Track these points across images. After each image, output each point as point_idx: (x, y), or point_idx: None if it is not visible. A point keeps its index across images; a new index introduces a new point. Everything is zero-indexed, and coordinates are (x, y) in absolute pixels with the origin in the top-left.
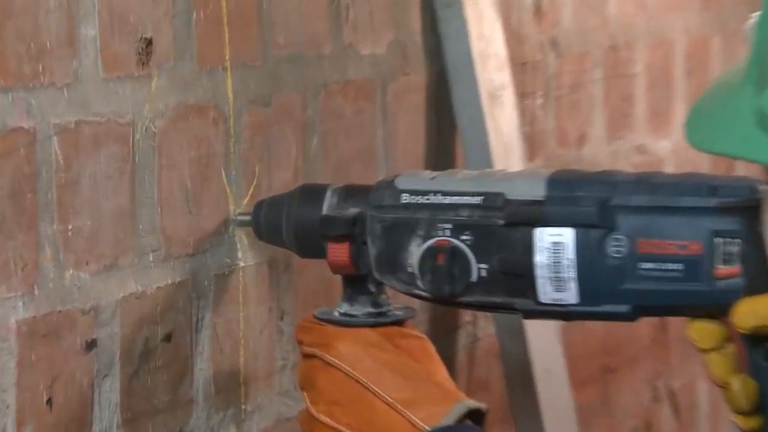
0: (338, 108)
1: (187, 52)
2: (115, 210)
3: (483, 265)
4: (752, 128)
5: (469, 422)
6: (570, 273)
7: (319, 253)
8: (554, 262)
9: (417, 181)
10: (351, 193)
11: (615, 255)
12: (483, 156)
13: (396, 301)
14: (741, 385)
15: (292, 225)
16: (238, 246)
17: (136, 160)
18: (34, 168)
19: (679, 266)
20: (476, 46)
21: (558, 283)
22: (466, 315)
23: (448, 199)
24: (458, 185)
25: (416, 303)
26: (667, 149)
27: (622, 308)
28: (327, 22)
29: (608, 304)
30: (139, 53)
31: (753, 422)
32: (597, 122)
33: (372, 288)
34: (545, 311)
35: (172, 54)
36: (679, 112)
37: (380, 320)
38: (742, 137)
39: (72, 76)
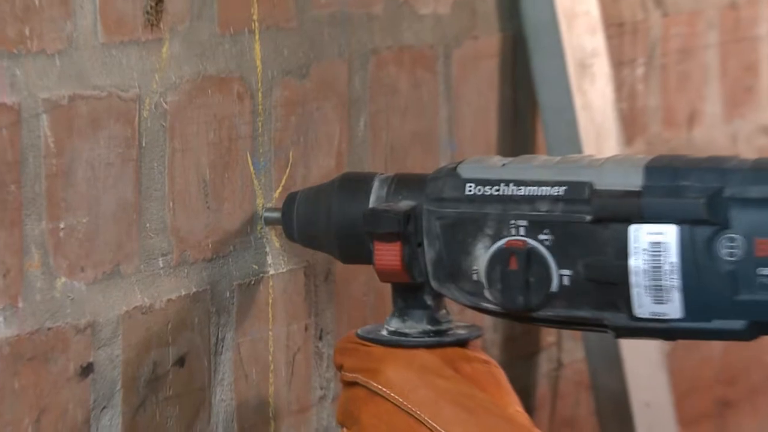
0: (391, 80)
1: (206, 11)
2: (116, 205)
3: (566, 272)
4: None
5: None
6: (673, 280)
7: (365, 257)
8: (653, 267)
9: (485, 168)
10: (403, 183)
11: (728, 258)
12: (569, 140)
13: (458, 316)
14: None
15: (332, 223)
16: (267, 249)
17: (143, 144)
18: (19, 153)
19: None
20: (562, 2)
21: (658, 293)
22: (549, 335)
23: (522, 190)
24: (535, 173)
25: (483, 319)
26: None
27: (737, 324)
28: None
29: (719, 319)
30: (147, 13)
31: None
32: (712, 97)
33: (429, 300)
34: (642, 328)
35: (188, 13)
36: None
37: (439, 340)
38: None
39: (65, 42)
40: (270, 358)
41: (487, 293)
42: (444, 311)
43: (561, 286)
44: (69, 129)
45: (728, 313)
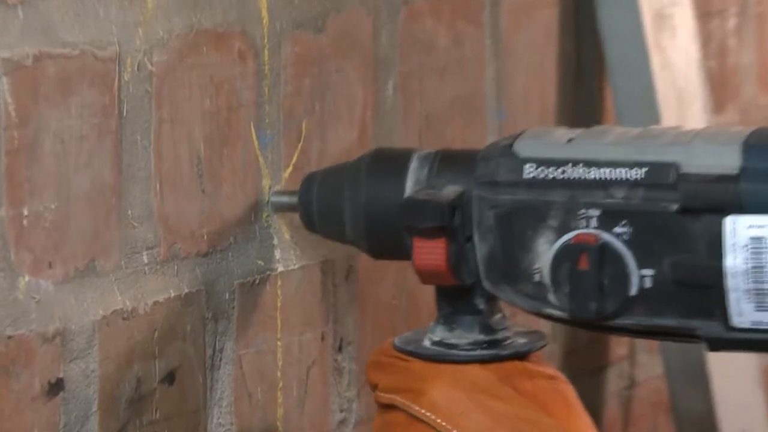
0: (426, 35)
1: None
2: (92, 187)
3: (647, 272)
4: None
5: None
6: None
7: (401, 253)
8: (755, 268)
9: (547, 145)
10: (448, 162)
11: None
12: (644, 107)
13: (517, 323)
14: None
15: (360, 210)
16: (275, 241)
17: (124, 113)
18: None
19: None
20: None
21: (761, 298)
22: (619, 346)
23: (594, 173)
24: (609, 151)
25: (539, 324)
26: None
27: None
28: None
29: None
30: None
31: None
32: None
33: (480, 304)
34: (742, 340)
35: None
36: None
37: (494, 353)
38: None
39: None
40: (278, 373)
41: (551, 297)
42: (499, 316)
43: (641, 289)
44: (34, 95)
45: None
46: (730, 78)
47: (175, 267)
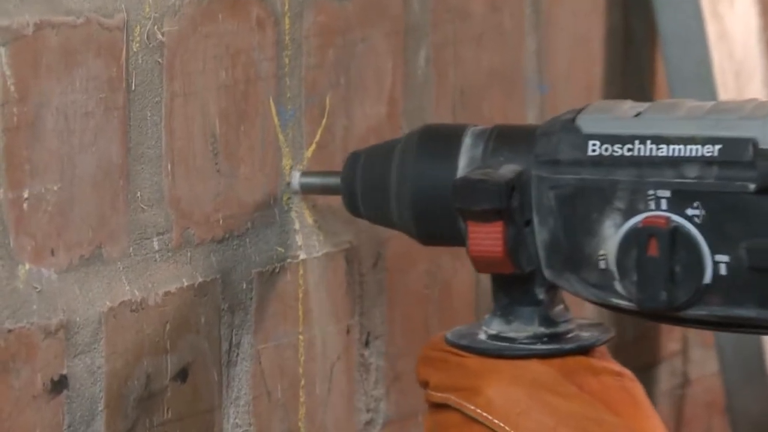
0: (461, 1)
1: None
2: (98, 168)
3: (722, 257)
4: None
5: None
6: None
7: (453, 239)
8: None
9: (613, 120)
10: (505, 139)
11: None
12: (699, 81)
13: (580, 314)
14: None
15: (408, 192)
16: (297, 226)
17: (133, 87)
18: None
19: None
20: None
21: None
22: (671, 341)
23: (664, 150)
24: (680, 127)
25: (605, 316)
26: None
27: None
28: None
29: None
30: None
31: None
32: None
33: (540, 294)
34: None
35: None
36: None
37: (556, 347)
38: None
39: None
40: (300, 370)
41: (618, 286)
42: (561, 307)
43: (716, 276)
44: (34, 67)
45: None
46: None
47: (188, 254)
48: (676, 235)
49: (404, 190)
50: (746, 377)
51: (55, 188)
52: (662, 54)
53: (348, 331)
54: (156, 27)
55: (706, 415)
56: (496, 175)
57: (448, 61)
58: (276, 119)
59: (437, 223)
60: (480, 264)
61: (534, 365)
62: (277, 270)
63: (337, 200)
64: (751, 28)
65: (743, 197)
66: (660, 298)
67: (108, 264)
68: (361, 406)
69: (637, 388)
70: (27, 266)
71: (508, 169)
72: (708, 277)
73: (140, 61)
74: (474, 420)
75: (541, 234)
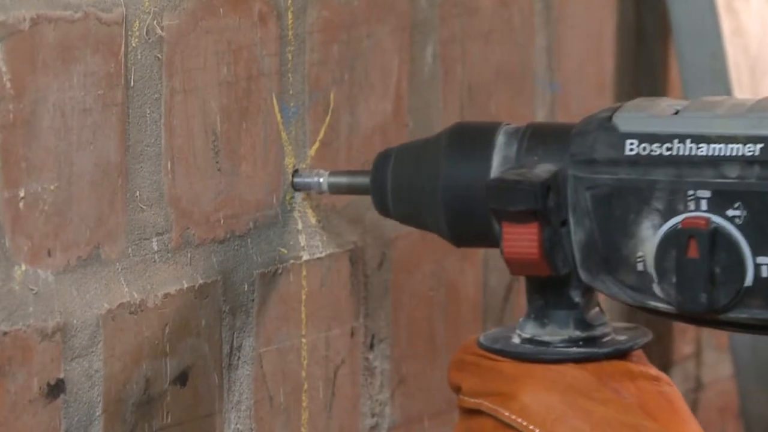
0: None
1: None
2: (95, 166)
3: (764, 259)
4: None
5: None
6: None
7: (487, 240)
8: None
9: (650, 118)
10: (539, 137)
11: None
12: (714, 77)
13: (615, 317)
14: None
15: (440, 192)
16: (300, 226)
17: (132, 84)
18: None
19: None
20: None
21: None
22: (684, 344)
23: (704, 149)
24: (720, 125)
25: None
26: None
27: None
28: None
29: None
30: None
31: None
32: None
33: (576, 297)
34: None
35: None
36: None
37: (592, 351)
38: None
39: None
40: (303, 374)
41: (656, 288)
42: (596, 310)
43: (757, 278)
44: (31, 63)
45: None
46: None
47: (188, 255)
48: (716, 236)
49: (436, 190)
50: (761, 381)
51: (52, 187)
52: (675, 50)
53: (352, 334)
54: (155, 22)
55: (720, 419)
56: (532, 175)
57: (455, 57)
58: (278, 116)
59: (470, 223)
60: (514, 266)
61: (569, 370)
62: (279, 271)
63: (340, 200)
64: (767, 24)
65: None
66: (700, 300)
67: (106, 265)
68: (366, 411)
69: (675, 394)
70: (23, 267)
71: (543, 169)
72: (749, 280)
73: (139, 57)
74: (508, 426)
75: (577, 235)
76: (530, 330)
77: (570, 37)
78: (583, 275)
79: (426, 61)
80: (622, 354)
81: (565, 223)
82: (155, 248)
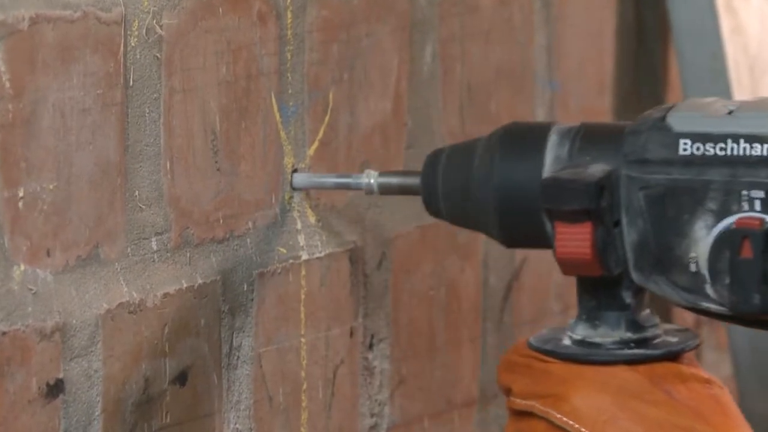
0: None
1: None
2: (95, 166)
3: None
4: None
5: None
6: None
7: (539, 241)
8: None
9: (704, 117)
10: (592, 137)
11: None
12: (713, 76)
13: (667, 319)
14: None
15: (492, 193)
16: (299, 226)
17: (131, 83)
18: None
19: None
20: None
21: None
22: None
23: (758, 149)
24: None
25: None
26: None
27: None
28: None
29: None
30: None
31: None
32: None
33: (628, 298)
34: None
35: None
36: None
37: (644, 352)
38: None
39: None
40: (302, 373)
41: (709, 289)
42: (647, 312)
43: None
44: (30, 62)
45: None
46: None
47: (188, 255)
48: None
49: (488, 190)
50: (761, 381)
51: (51, 187)
52: (675, 48)
53: (351, 334)
54: (155, 21)
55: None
56: (586, 174)
57: (455, 56)
58: (278, 116)
59: (522, 224)
60: (567, 266)
61: (621, 371)
62: (278, 271)
63: (340, 200)
64: (767, 23)
65: None
66: (753, 301)
67: (105, 265)
68: (365, 411)
69: (726, 396)
70: (22, 267)
71: (597, 169)
72: None
73: (138, 57)
74: (560, 428)
75: (629, 235)
76: (581, 331)
77: (570, 35)
78: (635, 276)
79: (425, 61)
80: (673, 356)
81: (618, 223)
82: (154, 248)
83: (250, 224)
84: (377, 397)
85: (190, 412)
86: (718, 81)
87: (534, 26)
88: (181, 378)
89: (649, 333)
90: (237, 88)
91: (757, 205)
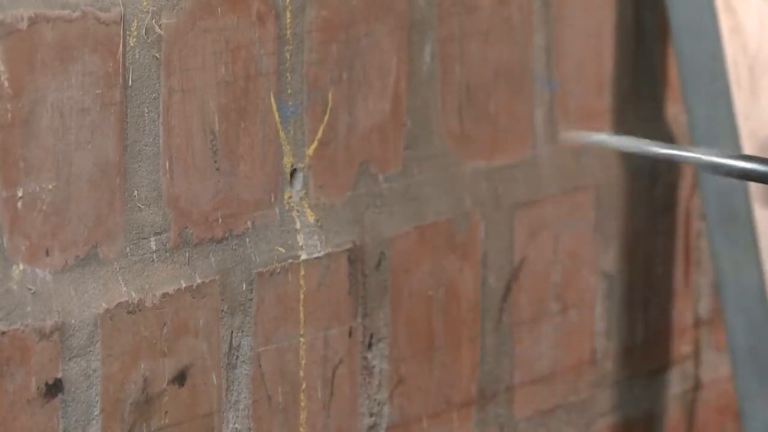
0: None
1: None
2: (94, 165)
3: None
4: None
5: None
6: None
7: None
8: None
9: None
10: None
11: None
12: (712, 76)
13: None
14: None
15: None
16: (298, 225)
17: (130, 83)
18: None
19: None
20: None
21: None
22: (682, 343)
23: None
24: None
25: (599, 324)
26: None
27: None
28: None
29: None
30: None
31: None
32: None
33: None
34: None
35: None
36: None
37: None
38: None
39: None
40: (301, 373)
41: None
42: None
43: None
44: (29, 62)
45: None
46: None
47: (187, 254)
48: None
49: None
50: (760, 380)
51: (50, 187)
52: (674, 48)
53: (350, 334)
54: (154, 21)
55: (719, 420)
56: None
57: (454, 56)
58: (277, 116)
59: None
60: None
61: None
62: (277, 270)
63: (339, 199)
64: (766, 22)
65: None
66: None
67: (104, 264)
68: (364, 411)
69: None
70: (21, 267)
71: None
72: None
73: (137, 56)
74: None
75: None
76: None
77: (569, 36)
78: None
79: (424, 61)
80: None
81: None
82: (153, 248)
83: (249, 224)
84: (376, 396)
85: (189, 411)
86: (717, 81)
87: (533, 26)
88: (180, 378)
89: None
90: (236, 88)
91: None
